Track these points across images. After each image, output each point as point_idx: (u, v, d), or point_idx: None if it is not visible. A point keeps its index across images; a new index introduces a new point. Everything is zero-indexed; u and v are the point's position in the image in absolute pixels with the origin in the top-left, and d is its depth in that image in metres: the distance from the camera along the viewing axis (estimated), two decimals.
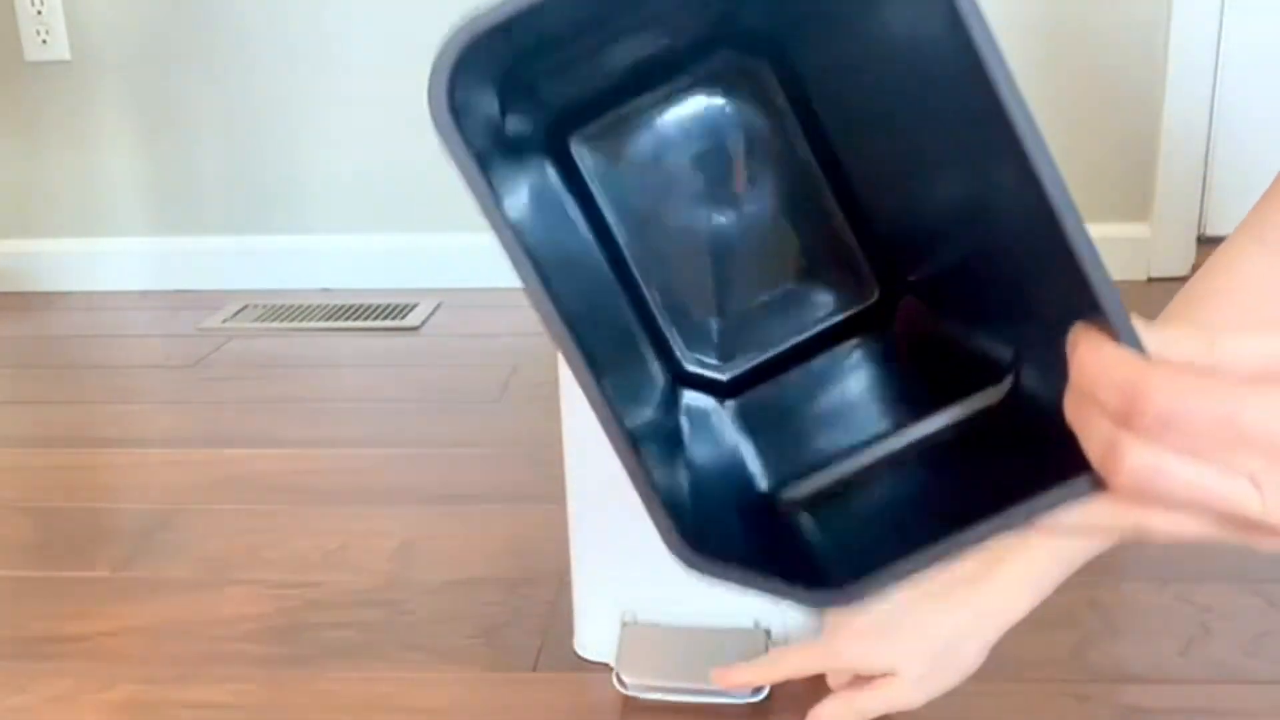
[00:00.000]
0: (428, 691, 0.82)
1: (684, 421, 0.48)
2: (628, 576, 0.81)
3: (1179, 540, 0.35)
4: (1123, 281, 1.82)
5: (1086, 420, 0.34)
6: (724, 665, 0.75)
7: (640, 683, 0.77)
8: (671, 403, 0.48)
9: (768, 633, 0.79)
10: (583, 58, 0.43)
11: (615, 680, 0.78)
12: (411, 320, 1.73)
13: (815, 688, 0.81)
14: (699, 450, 0.47)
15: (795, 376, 0.49)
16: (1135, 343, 0.33)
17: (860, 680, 0.70)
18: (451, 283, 1.90)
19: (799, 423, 0.49)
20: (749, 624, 0.80)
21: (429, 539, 1.04)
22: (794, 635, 0.81)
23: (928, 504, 0.44)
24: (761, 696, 0.77)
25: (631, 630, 0.81)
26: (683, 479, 0.44)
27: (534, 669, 0.84)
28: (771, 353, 0.49)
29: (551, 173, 0.47)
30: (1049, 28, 1.73)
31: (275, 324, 1.74)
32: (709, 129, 0.47)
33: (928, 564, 0.36)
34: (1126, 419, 0.32)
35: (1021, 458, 0.41)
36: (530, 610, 0.91)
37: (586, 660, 0.84)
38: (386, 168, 1.89)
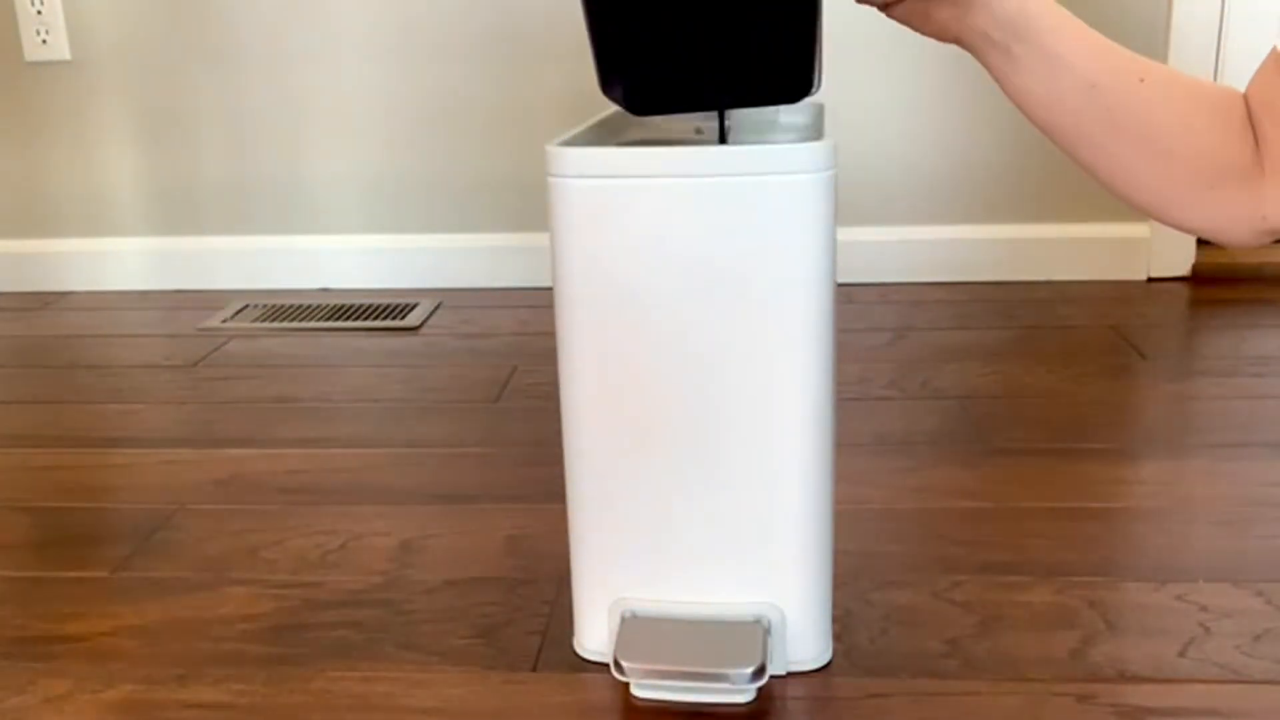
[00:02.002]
0: (427, 691, 0.82)
1: None
2: (627, 576, 0.81)
3: None
4: (1123, 282, 1.82)
5: None
6: (723, 652, 0.75)
7: (638, 668, 0.77)
8: None
9: (766, 629, 0.79)
10: None
11: (613, 667, 0.78)
12: (411, 320, 1.73)
13: (816, 691, 0.81)
14: None
15: None
16: None
17: None
18: (451, 283, 1.90)
19: None
20: (748, 619, 0.80)
21: (428, 539, 1.04)
22: (791, 630, 0.81)
23: None
24: (761, 682, 0.77)
25: (631, 622, 0.81)
26: None
27: (534, 669, 0.84)
28: None
29: None
30: None
31: (275, 324, 1.75)
32: None
33: None
34: None
35: None
36: (530, 610, 0.92)
37: (586, 660, 0.84)
38: (387, 168, 1.89)
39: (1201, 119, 0.72)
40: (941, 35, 0.75)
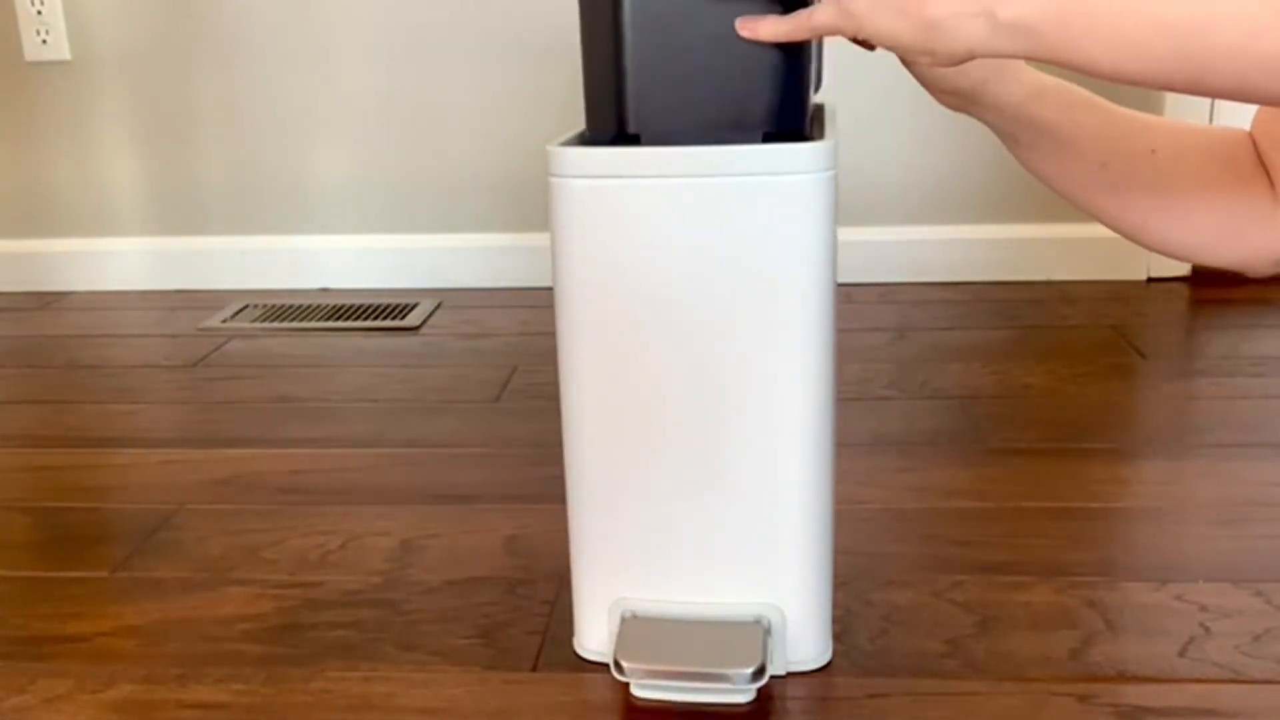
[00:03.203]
0: (427, 691, 0.82)
1: None
2: (628, 577, 0.81)
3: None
4: (1123, 282, 1.82)
5: None
6: (723, 653, 0.75)
7: (638, 668, 0.77)
8: None
9: (766, 629, 0.79)
10: None
11: (613, 667, 0.78)
12: (411, 320, 1.73)
13: (816, 691, 0.81)
14: None
15: None
16: None
17: None
18: (451, 283, 1.90)
19: None
20: (749, 620, 0.80)
21: (428, 539, 1.04)
22: (791, 631, 0.81)
23: None
24: (762, 683, 0.77)
25: (631, 622, 0.81)
26: None
27: (534, 669, 0.84)
28: None
29: None
30: None
31: (275, 324, 1.75)
32: None
33: None
34: None
35: None
36: (530, 610, 0.92)
37: (586, 660, 0.84)
38: (386, 168, 1.89)
39: (1216, 172, 0.71)
40: (952, 109, 0.75)
